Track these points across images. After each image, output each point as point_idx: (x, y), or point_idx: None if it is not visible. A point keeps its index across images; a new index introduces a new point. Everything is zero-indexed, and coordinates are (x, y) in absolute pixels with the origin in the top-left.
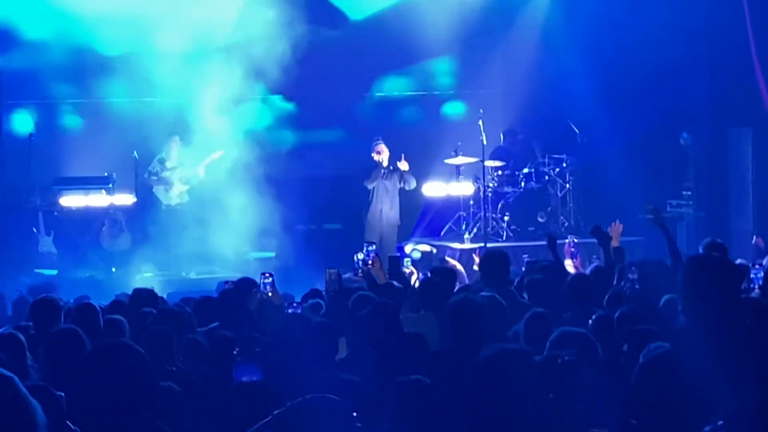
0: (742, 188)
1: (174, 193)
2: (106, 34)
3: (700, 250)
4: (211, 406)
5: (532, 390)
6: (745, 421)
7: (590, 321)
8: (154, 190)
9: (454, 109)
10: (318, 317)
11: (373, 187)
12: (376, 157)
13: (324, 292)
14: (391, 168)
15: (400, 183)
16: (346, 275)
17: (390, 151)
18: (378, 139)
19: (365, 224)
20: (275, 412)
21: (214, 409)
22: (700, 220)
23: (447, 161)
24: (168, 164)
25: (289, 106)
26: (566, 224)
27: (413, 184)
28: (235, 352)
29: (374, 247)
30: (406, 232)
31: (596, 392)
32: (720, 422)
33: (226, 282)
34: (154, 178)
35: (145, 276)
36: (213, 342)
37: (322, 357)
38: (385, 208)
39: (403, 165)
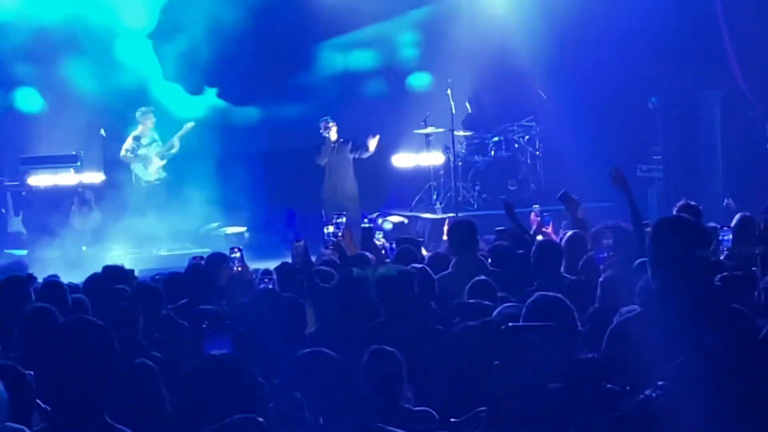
0: (711, 151)
1: (152, 169)
2: (67, 12)
3: (674, 213)
4: (181, 380)
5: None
6: (685, 382)
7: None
8: (132, 167)
9: (420, 80)
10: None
11: (326, 164)
12: (324, 133)
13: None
14: (341, 141)
15: (352, 154)
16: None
17: (352, 124)
18: (325, 118)
19: (323, 200)
20: None
21: (185, 382)
22: (670, 183)
23: (416, 131)
24: (143, 141)
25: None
26: (536, 191)
27: (366, 154)
28: (204, 326)
29: (344, 219)
30: (377, 203)
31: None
32: (660, 383)
33: (194, 258)
34: (131, 155)
35: (115, 254)
36: (183, 317)
37: (291, 331)
38: (339, 181)
39: (372, 144)
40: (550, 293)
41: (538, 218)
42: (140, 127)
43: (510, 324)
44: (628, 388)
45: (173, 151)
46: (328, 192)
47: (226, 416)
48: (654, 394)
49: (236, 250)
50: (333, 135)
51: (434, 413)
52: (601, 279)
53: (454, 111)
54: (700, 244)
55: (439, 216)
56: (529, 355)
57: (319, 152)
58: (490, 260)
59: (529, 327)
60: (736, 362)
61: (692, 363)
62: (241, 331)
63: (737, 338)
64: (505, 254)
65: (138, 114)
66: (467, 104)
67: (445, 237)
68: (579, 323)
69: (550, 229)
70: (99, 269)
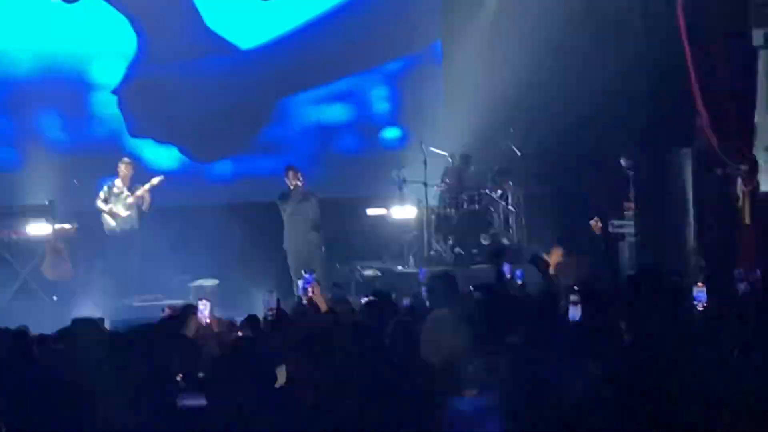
0: (682, 208)
1: (119, 220)
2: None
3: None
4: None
5: None
6: None
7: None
8: (103, 216)
9: (392, 133)
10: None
11: (287, 214)
12: (292, 182)
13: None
14: (305, 193)
15: (315, 214)
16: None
17: (324, 179)
18: (290, 165)
19: (288, 252)
20: None
21: None
22: (643, 239)
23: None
24: (115, 190)
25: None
26: (509, 246)
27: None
28: (178, 379)
29: (314, 274)
30: (348, 254)
31: None
32: None
33: (163, 309)
34: (103, 204)
35: (86, 306)
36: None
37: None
38: (302, 232)
39: None
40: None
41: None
42: (118, 178)
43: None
44: None
45: (144, 207)
46: (291, 245)
47: None
48: None
49: (205, 301)
50: (300, 183)
51: None
52: None
53: (427, 165)
54: (676, 302)
55: (412, 270)
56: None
57: (286, 200)
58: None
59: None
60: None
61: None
62: (213, 385)
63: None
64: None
65: (119, 164)
66: (456, 156)
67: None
68: None
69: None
70: (69, 321)
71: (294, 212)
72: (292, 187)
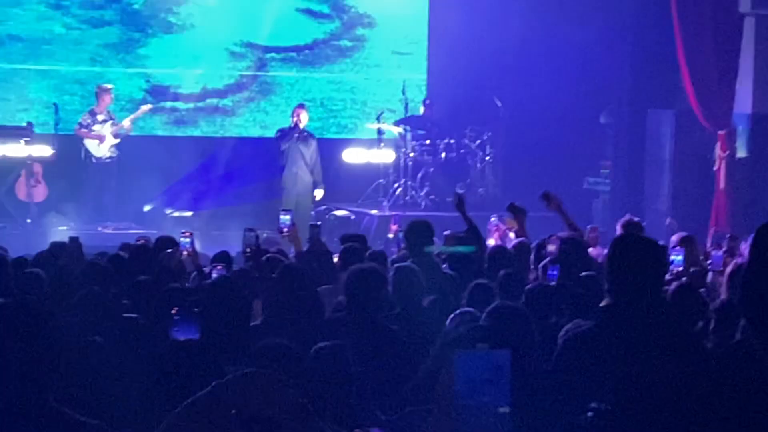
0: (659, 169)
1: (105, 147)
2: None
3: (617, 227)
4: (147, 364)
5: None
6: (628, 402)
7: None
8: (84, 142)
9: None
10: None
11: (287, 149)
12: (294, 119)
13: (242, 253)
14: (306, 134)
15: (313, 156)
16: (265, 235)
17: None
18: (300, 104)
19: (282, 188)
20: (214, 383)
21: (151, 367)
22: (616, 198)
23: (369, 126)
24: (99, 117)
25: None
26: (484, 196)
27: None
28: (173, 311)
29: (289, 217)
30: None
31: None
32: (594, 405)
33: (138, 239)
34: (85, 130)
35: (60, 229)
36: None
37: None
38: (300, 171)
39: (319, 194)
40: (510, 303)
41: (495, 227)
42: (98, 103)
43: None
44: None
45: (126, 131)
46: (288, 180)
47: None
48: (589, 414)
49: (187, 233)
50: (303, 121)
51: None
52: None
53: (408, 110)
54: (658, 264)
55: (386, 213)
56: (479, 367)
57: (284, 137)
58: (446, 264)
59: (480, 355)
60: (684, 383)
61: (638, 383)
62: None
63: (688, 360)
64: (459, 258)
65: (97, 89)
66: (422, 106)
67: (390, 235)
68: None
69: (497, 236)
70: (42, 243)
71: (291, 149)
72: (293, 125)
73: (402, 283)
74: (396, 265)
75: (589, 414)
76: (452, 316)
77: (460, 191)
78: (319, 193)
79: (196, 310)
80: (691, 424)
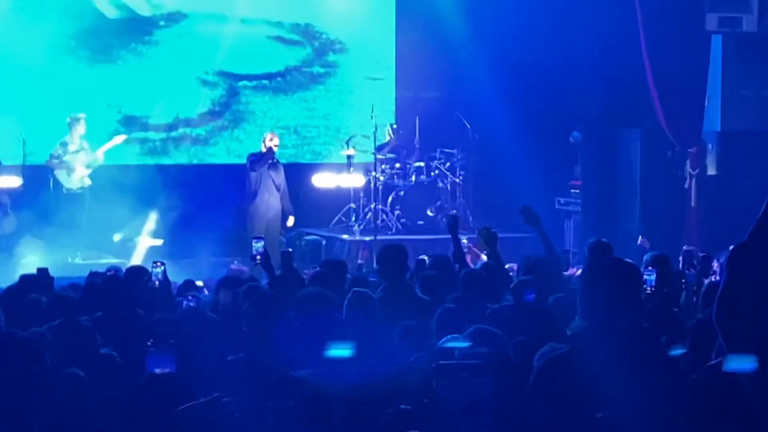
0: (629, 188)
1: (76, 177)
2: None
3: (586, 250)
4: (123, 396)
5: None
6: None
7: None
8: (55, 173)
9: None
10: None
11: (259, 176)
12: (267, 143)
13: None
14: (275, 160)
15: (282, 184)
16: (235, 263)
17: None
18: (272, 130)
19: (249, 214)
20: (181, 407)
21: (127, 400)
22: (588, 218)
23: (343, 153)
24: (71, 147)
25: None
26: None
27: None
28: (149, 343)
29: (261, 243)
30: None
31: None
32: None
33: (108, 270)
34: (56, 161)
35: (29, 260)
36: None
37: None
38: (272, 198)
39: (291, 221)
40: (486, 327)
41: (467, 248)
42: (70, 134)
43: (441, 362)
44: None
45: (98, 161)
46: (261, 207)
47: None
48: None
49: (159, 263)
50: (275, 146)
51: None
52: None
53: (377, 136)
54: (633, 287)
55: (357, 238)
56: (461, 393)
57: (257, 161)
58: (419, 289)
59: (461, 365)
60: (663, 406)
61: (615, 406)
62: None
63: (666, 384)
64: (434, 282)
65: (68, 120)
66: (388, 130)
67: (360, 260)
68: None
69: (469, 258)
70: (11, 275)
71: (263, 176)
72: (265, 150)
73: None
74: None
75: None
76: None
77: (454, 213)
78: (291, 221)
79: (172, 341)
80: None
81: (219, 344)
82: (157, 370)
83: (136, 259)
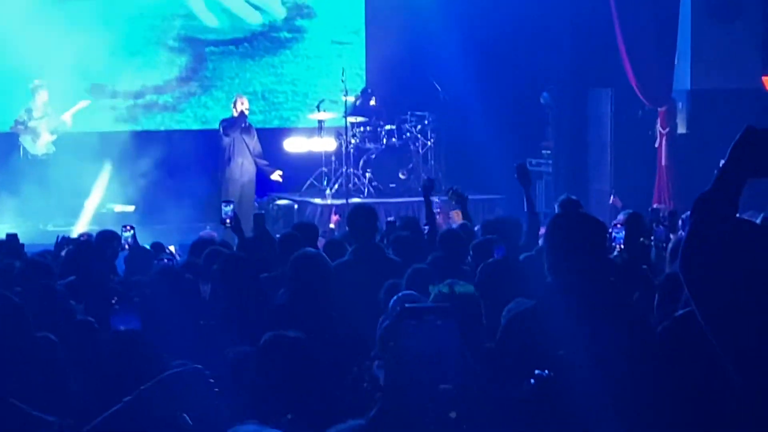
0: (600, 148)
1: (41, 143)
2: None
3: (556, 207)
4: (87, 356)
5: None
6: (571, 371)
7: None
8: (20, 139)
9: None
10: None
11: (232, 141)
12: (239, 107)
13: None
14: (247, 124)
15: (254, 146)
16: (208, 228)
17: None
18: (239, 93)
19: (223, 179)
20: (141, 388)
21: (91, 359)
22: (559, 178)
23: (310, 116)
24: (35, 113)
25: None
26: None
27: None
28: (113, 301)
29: (231, 207)
30: (266, 187)
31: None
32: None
33: (81, 235)
34: (21, 127)
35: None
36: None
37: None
38: (246, 161)
39: (274, 176)
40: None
41: (439, 209)
42: (33, 100)
43: (407, 305)
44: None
45: (65, 126)
46: (235, 171)
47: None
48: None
49: (129, 227)
50: (245, 109)
51: None
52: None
53: (348, 97)
54: (599, 240)
55: (329, 202)
56: (426, 337)
57: (228, 127)
58: (391, 250)
59: (427, 308)
60: (630, 358)
61: (581, 355)
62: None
63: (632, 335)
64: (405, 243)
65: (31, 86)
66: (357, 95)
67: (332, 225)
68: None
69: (440, 218)
70: None
71: (236, 141)
72: (236, 114)
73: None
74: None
75: (531, 381)
76: (395, 298)
77: (402, 177)
78: (277, 175)
79: (136, 300)
80: (634, 395)
81: (193, 304)
82: (122, 327)
83: (82, 225)
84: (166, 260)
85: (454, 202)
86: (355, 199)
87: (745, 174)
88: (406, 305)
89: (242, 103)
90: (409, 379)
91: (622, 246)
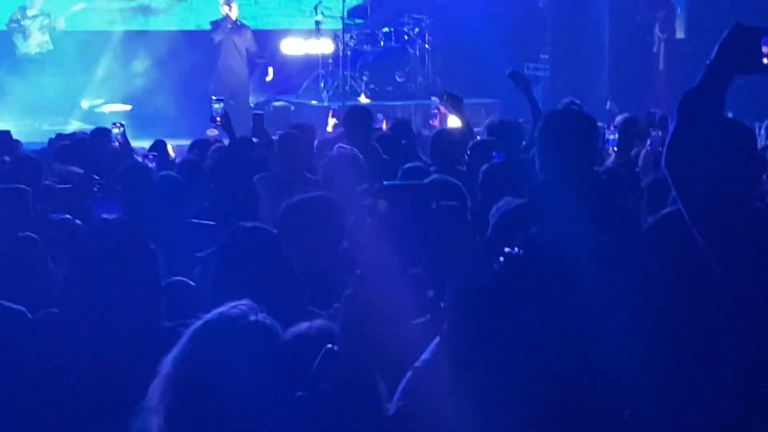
0: (598, 53)
1: (33, 42)
2: None
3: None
4: (72, 245)
5: None
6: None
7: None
8: (13, 38)
9: None
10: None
11: (221, 42)
12: (224, 9)
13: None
14: (239, 24)
15: (249, 44)
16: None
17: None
18: None
19: (214, 79)
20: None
21: (76, 247)
22: (556, 83)
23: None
24: (29, 12)
25: None
26: (424, 84)
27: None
28: (95, 189)
29: (220, 105)
30: (264, 88)
31: None
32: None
33: (74, 133)
34: (14, 25)
35: None
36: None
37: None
38: (235, 63)
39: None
40: (447, 177)
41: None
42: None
43: (384, 182)
44: None
45: (59, 27)
46: (223, 71)
47: (122, 281)
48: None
49: (119, 125)
50: (233, 13)
51: None
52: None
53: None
54: (589, 137)
55: (326, 104)
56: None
57: (217, 28)
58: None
59: (404, 186)
60: (617, 253)
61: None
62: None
63: (620, 230)
64: (394, 142)
65: None
66: None
67: (329, 129)
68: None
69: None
70: None
71: (227, 42)
72: (224, 15)
73: None
74: None
75: (501, 259)
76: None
77: (399, 79)
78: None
79: (119, 187)
80: (618, 290)
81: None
82: (105, 215)
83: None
84: (151, 157)
85: (450, 105)
86: (352, 102)
87: (731, 70)
88: (383, 183)
89: (228, 4)
90: (380, 261)
91: (616, 149)
